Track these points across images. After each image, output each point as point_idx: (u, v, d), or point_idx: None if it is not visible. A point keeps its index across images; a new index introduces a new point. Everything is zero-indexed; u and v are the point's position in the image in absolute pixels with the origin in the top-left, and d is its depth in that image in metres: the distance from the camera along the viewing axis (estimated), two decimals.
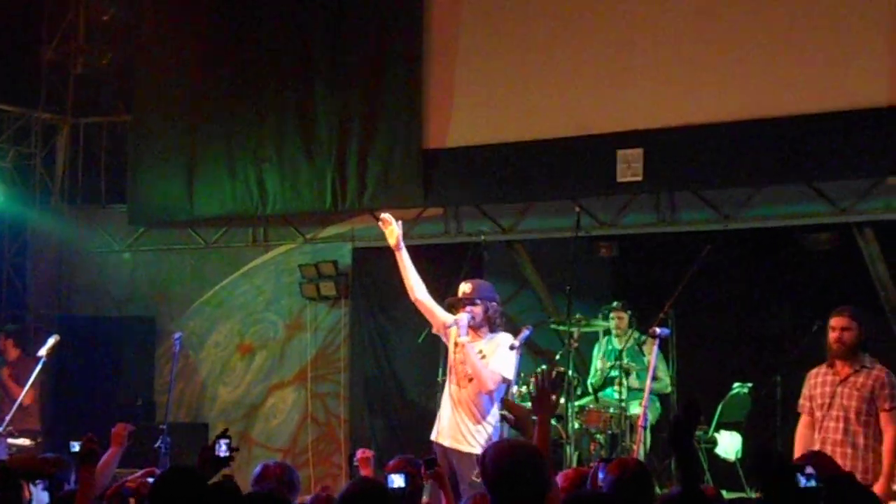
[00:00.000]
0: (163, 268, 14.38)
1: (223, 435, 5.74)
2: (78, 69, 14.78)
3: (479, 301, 8.47)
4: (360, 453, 7.53)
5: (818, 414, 7.98)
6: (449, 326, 8.54)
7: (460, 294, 8.55)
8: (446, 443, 8.40)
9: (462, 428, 8.37)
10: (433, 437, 8.50)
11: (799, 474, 4.21)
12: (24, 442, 10.48)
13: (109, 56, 14.65)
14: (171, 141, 13.78)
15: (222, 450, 5.63)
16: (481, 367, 8.30)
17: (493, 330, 8.51)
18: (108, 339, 14.07)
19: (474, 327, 8.45)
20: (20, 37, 14.83)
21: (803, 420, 8.12)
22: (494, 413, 8.37)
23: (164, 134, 13.87)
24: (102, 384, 13.81)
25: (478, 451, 7.99)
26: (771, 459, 4.50)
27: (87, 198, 14.82)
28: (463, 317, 8.42)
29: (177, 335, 10.76)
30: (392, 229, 8.46)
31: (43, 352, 10.80)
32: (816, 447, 7.71)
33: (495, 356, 8.37)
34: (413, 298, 8.57)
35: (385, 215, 8.55)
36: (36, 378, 11.24)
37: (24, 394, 10.85)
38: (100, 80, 14.87)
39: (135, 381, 13.89)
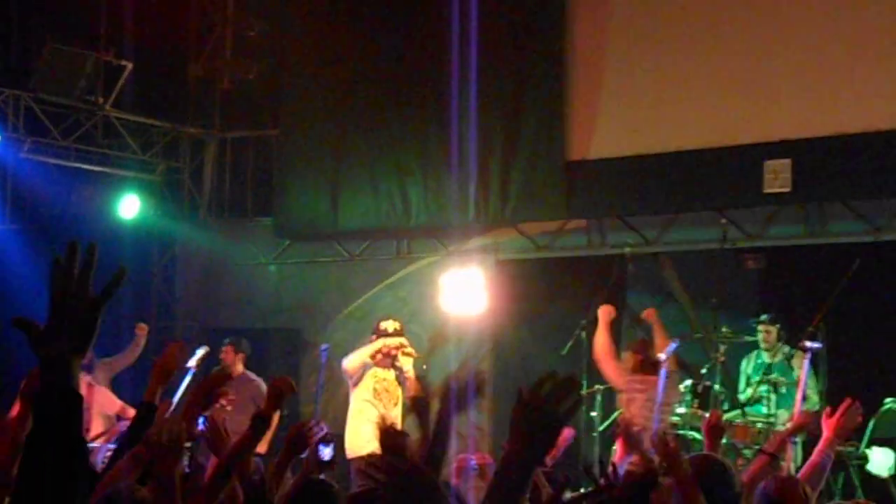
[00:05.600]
0: (308, 280, 14.51)
1: (324, 441, 5.92)
2: (225, 84, 15.00)
3: None
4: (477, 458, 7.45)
5: None
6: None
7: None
8: None
9: None
10: None
11: None
12: None
13: (255, 70, 14.83)
14: (316, 155, 13.93)
15: (325, 454, 5.84)
16: None
17: None
18: (254, 351, 14.23)
19: None
20: (169, 54, 15.13)
21: None
22: None
23: (310, 148, 14.03)
24: None
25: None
26: None
27: (234, 211, 15.05)
28: None
29: (323, 347, 10.87)
30: None
31: (192, 363, 10.97)
32: None
33: None
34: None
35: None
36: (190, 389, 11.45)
37: (174, 404, 11.01)
38: (246, 95, 15.07)
39: None
